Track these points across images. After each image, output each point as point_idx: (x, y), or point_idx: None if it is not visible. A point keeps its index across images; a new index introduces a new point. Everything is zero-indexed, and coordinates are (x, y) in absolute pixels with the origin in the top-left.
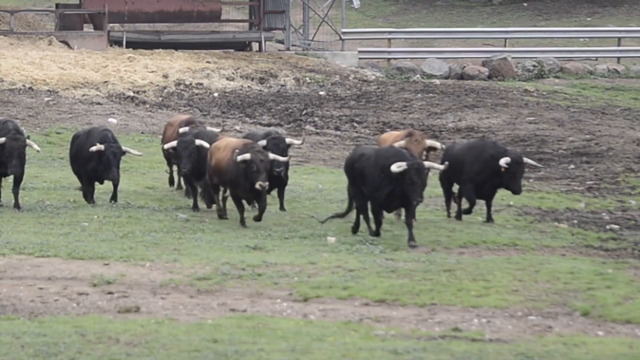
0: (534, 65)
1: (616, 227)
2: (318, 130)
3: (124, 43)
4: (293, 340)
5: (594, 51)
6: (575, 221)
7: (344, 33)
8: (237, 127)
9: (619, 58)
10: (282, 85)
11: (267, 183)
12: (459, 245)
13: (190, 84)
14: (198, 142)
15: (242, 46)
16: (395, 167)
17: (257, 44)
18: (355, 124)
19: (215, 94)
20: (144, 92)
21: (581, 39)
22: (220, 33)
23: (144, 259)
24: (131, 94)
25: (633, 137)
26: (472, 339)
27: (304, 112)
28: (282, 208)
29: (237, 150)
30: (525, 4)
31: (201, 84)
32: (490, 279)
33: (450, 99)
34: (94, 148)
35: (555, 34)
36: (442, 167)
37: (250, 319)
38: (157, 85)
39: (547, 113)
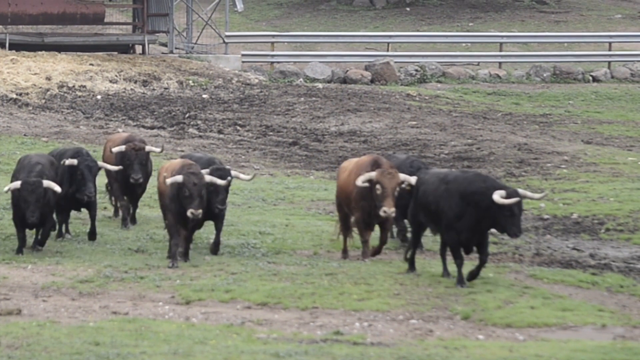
0: (416, 70)
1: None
2: (201, 134)
3: (7, 45)
4: (175, 344)
5: (476, 56)
6: None
7: (228, 36)
8: (120, 130)
9: (500, 63)
10: (166, 88)
11: (199, 211)
12: (341, 249)
13: (74, 86)
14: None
15: (125, 49)
16: (498, 197)
17: (141, 47)
18: (238, 128)
19: (99, 97)
20: (27, 94)
21: (463, 44)
22: (103, 35)
23: (26, 261)
24: (14, 96)
25: (514, 141)
26: (354, 342)
27: (187, 115)
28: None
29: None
30: (408, 9)
31: (84, 86)
32: (372, 282)
33: (333, 103)
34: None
35: (438, 39)
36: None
37: (133, 322)
38: (40, 88)
39: (429, 117)
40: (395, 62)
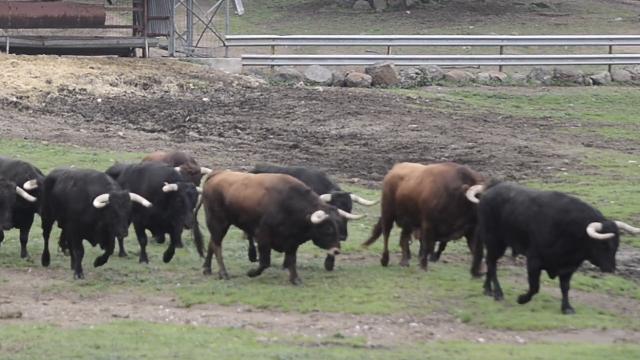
0: (416, 73)
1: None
2: (201, 137)
3: (7, 48)
4: (175, 347)
5: (477, 59)
6: None
7: (228, 39)
8: (120, 133)
9: (500, 66)
10: (166, 91)
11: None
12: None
13: (74, 89)
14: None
15: (125, 52)
16: (593, 231)
17: (141, 50)
18: (238, 131)
19: (99, 100)
20: (27, 97)
21: (464, 47)
22: (104, 39)
23: (26, 264)
24: (14, 99)
25: (514, 144)
26: (354, 345)
27: (187, 119)
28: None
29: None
30: (408, 12)
31: (85, 89)
32: (373, 285)
33: (333, 105)
34: (167, 187)
35: (438, 42)
36: None
37: (133, 325)
38: (41, 91)
39: (430, 120)
40: (396, 65)
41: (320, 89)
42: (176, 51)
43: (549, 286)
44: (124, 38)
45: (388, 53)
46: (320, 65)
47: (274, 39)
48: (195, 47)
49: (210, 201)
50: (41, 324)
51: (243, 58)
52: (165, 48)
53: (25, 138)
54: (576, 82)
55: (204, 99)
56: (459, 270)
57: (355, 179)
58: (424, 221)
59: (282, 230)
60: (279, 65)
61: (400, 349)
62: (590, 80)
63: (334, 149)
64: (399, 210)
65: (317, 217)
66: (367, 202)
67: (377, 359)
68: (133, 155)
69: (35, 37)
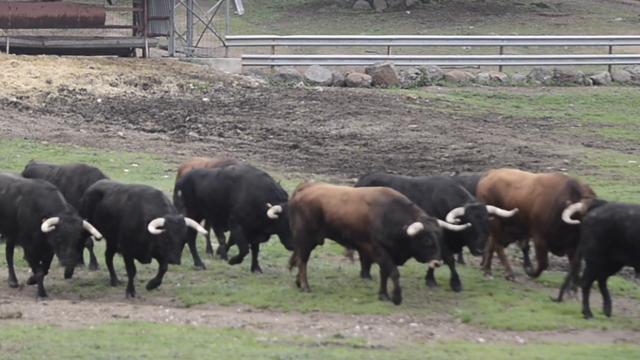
0: (416, 73)
1: None
2: (201, 137)
3: (7, 48)
4: (175, 347)
5: (477, 59)
6: None
7: (228, 39)
8: (120, 133)
9: (500, 66)
10: (166, 92)
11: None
12: (342, 251)
13: (74, 89)
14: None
15: (125, 52)
16: None
17: (141, 50)
18: (238, 131)
19: (99, 100)
20: (27, 97)
21: (464, 47)
22: (104, 39)
23: (27, 264)
24: (14, 99)
25: (515, 144)
26: (354, 345)
27: (187, 119)
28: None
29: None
30: (408, 12)
31: (85, 89)
32: (373, 285)
33: (333, 106)
34: (271, 212)
35: (438, 42)
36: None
37: (133, 325)
38: (41, 91)
39: (430, 120)
40: (396, 65)
41: (320, 89)
42: (176, 51)
43: (549, 287)
44: (124, 38)
45: (388, 53)
46: (320, 65)
47: (274, 39)
48: (195, 47)
49: (306, 217)
50: (41, 324)
51: (243, 58)
52: (165, 48)
53: (25, 138)
54: (576, 82)
55: (204, 99)
56: (458, 270)
57: (356, 180)
58: (535, 236)
59: (391, 244)
60: (279, 66)
61: (400, 349)
62: (590, 81)
63: (334, 149)
64: (508, 223)
65: (413, 229)
66: (505, 213)
67: (377, 359)
68: (133, 156)
69: (35, 37)
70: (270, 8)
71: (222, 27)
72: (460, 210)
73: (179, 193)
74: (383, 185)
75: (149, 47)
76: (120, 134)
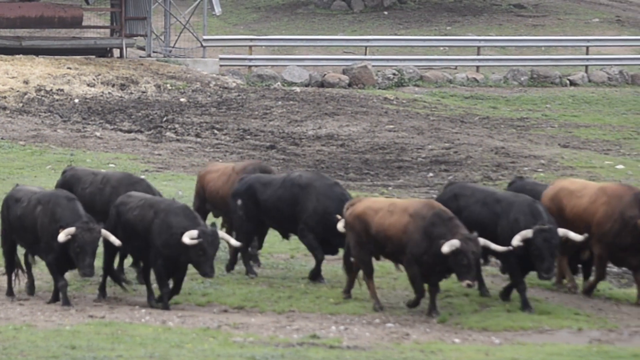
0: (394, 74)
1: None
2: (178, 137)
3: None
4: (151, 347)
5: (454, 60)
6: None
7: (205, 40)
8: (98, 134)
9: (478, 67)
10: (143, 92)
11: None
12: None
13: (51, 90)
14: None
15: (103, 52)
16: None
17: (119, 51)
18: (215, 131)
19: (76, 100)
20: (4, 97)
21: (441, 48)
22: (81, 39)
23: (2, 265)
24: None
25: (491, 145)
26: (330, 346)
27: (164, 119)
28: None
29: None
30: (385, 13)
31: (62, 90)
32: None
33: (311, 106)
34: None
35: (416, 43)
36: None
37: (109, 325)
38: (18, 91)
39: (407, 121)
40: (373, 65)
41: (298, 89)
42: (154, 52)
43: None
44: (101, 38)
45: (365, 54)
46: (298, 65)
47: (251, 39)
48: (173, 47)
49: (357, 232)
50: (17, 324)
51: (220, 59)
52: (142, 48)
53: (2, 138)
54: (553, 83)
55: (181, 100)
56: None
57: None
58: (596, 246)
59: (427, 259)
60: (256, 66)
61: (376, 350)
62: (567, 81)
63: (311, 150)
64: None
65: (448, 246)
66: (577, 237)
67: (352, 359)
68: (110, 156)
69: (12, 38)
70: (248, 9)
71: (200, 27)
72: (528, 233)
73: (239, 202)
74: (464, 197)
75: (126, 48)
76: (98, 134)
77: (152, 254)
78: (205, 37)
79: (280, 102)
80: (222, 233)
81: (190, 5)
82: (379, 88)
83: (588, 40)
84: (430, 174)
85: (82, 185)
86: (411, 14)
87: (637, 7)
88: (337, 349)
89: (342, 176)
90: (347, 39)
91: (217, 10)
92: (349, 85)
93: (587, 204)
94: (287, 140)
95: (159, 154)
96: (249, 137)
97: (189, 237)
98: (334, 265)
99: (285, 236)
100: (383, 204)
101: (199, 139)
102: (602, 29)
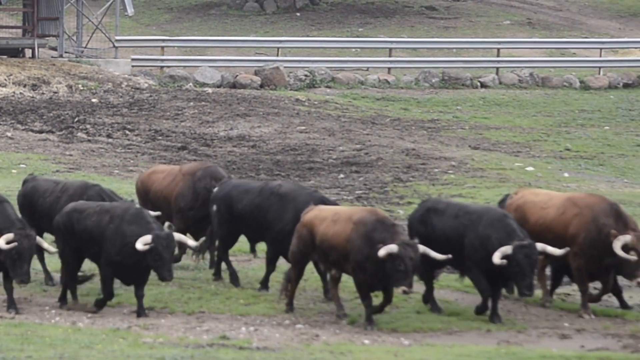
0: (305, 75)
1: None
2: (90, 138)
3: None
4: (61, 348)
5: (365, 61)
6: None
7: (118, 40)
8: (9, 134)
9: (389, 68)
10: (55, 92)
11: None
12: (230, 253)
13: None
14: None
15: (15, 52)
16: None
17: (31, 51)
18: (127, 132)
19: None
20: None
21: (353, 49)
22: None
23: None
24: None
25: (402, 147)
26: (240, 347)
27: (76, 119)
28: None
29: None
30: (298, 14)
31: None
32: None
33: (222, 107)
34: None
35: (327, 44)
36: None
37: (19, 326)
38: None
39: (318, 122)
40: (285, 67)
41: (210, 90)
42: (66, 52)
43: (435, 288)
44: (13, 39)
45: (277, 55)
46: (210, 66)
47: (163, 40)
48: (85, 48)
49: (303, 240)
50: None
51: (133, 59)
52: (54, 49)
53: None
54: (464, 85)
55: (93, 100)
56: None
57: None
58: (572, 259)
59: (369, 265)
60: (168, 67)
61: (286, 351)
62: (478, 83)
63: (223, 151)
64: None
65: (385, 250)
66: (556, 251)
67: None
68: (21, 156)
69: None
70: (160, 9)
71: (112, 28)
72: (507, 249)
73: (214, 207)
74: (438, 212)
75: (38, 48)
76: (9, 134)
77: (103, 258)
78: (117, 37)
79: (192, 103)
80: (178, 235)
81: (103, 5)
82: (291, 89)
83: (499, 43)
84: (341, 175)
85: (43, 195)
86: (323, 15)
87: (548, 10)
88: (246, 350)
89: (253, 177)
90: (259, 40)
91: (130, 10)
92: (261, 86)
93: (554, 215)
94: (198, 141)
95: (70, 155)
96: (160, 137)
97: (142, 244)
98: (244, 266)
99: (254, 245)
100: (328, 213)
101: (110, 140)
102: (513, 31)
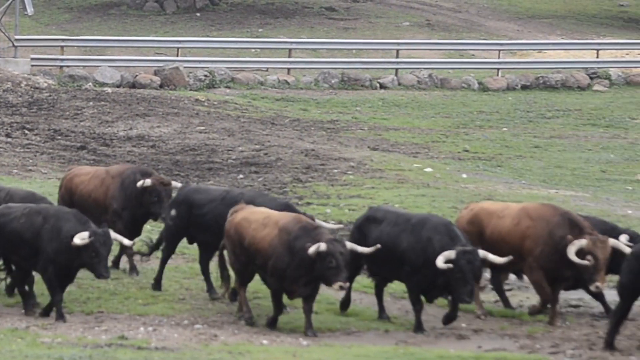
0: (205, 75)
1: None
2: None
3: None
4: None
5: (265, 62)
6: None
7: (17, 40)
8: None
9: (289, 69)
10: None
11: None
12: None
13: None
14: None
15: None
16: None
17: None
18: (26, 131)
19: None
20: None
21: (252, 50)
22: None
23: None
24: None
25: (301, 147)
26: (138, 347)
27: None
28: None
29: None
30: (198, 14)
31: None
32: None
33: (122, 107)
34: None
35: (227, 44)
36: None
37: None
38: None
39: (218, 123)
40: (185, 67)
41: (109, 90)
42: None
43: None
44: None
45: (177, 55)
46: (110, 66)
47: (63, 39)
48: None
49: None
50: None
51: (32, 59)
52: None
53: None
54: (363, 86)
55: None
56: None
57: None
58: (528, 271)
59: (290, 273)
60: (68, 66)
61: (184, 351)
62: (377, 84)
63: (122, 151)
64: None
65: (315, 248)
66: (497, 259)
67: None
68: None
69: None
70: (60, 9)
71: (12, 27)
72: (451, 254)
73: (173, 212)
74: (378, 220)
75: None
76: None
77: (43, 261)
78: (17, 37)
79: (91, 103)
80: (114, 234)
81: (2, 4)
82: (191, 89)
83: (398, 44)
84: (241, 176)
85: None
86: (223, 15)
87: (447, 11)
88: (145, 350)
89: None
90: (159, 40)
91: (29, 10)
92: (161, 86)
93: (510, 225)
94: (98, 140)
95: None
96: (59, 137)
97: (79, 238)
98: (144, 266)
99: (210, 254)
100: (259, 215)
101: (9, 139)
102: (412, 33)
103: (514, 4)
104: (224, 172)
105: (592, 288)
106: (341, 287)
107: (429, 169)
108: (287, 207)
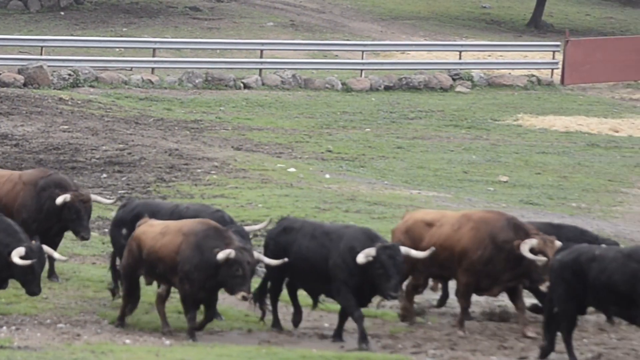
0: (69, 74)
1: None
2: None
3: None
4: None
5: (129, 61)
6: (106, 230)
7: None
8: None
9: (153, 69)
10: None
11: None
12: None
13: None
14: None
15: None
16: None
17: None
18: None
19: None
20: None
21: (117, 49)
22: None
23: None
24: None
25: (165, 147)
26: (1, 346)
27: None
28: None
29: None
30: (62, 13)
31: None
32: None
33: None
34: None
35: (92, 44)
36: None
37: None
38: None
39: (82, 122)
40: (49, 66)
41: None
42: None
43: None
44: None
45: (41, 54)
46: None
47: None
48: None
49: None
50: None
51: None
52: None
53: None
54: (227, 86)
55: None
56: (107, 272)
57: None
58: (462, 275)
59: (197, 275)
60: None
61: (47, 350)
62: (242, 84)
63: None
64: (425, 262)
65: (223, 254)
66: (419, 254)
67: None
68: None
69: None
70: None
71: None
72: (371, 251)
73: (124, 231)
74: (293, 231)
75: None
76: None
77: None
78: None
79: None
80: (46, 247)
81: None
82: (54, 88)
83: (262, 44)
84: (104, 175)
85: None
86: (88, 14)
87: (311, 12)
88: (7, 349)
89: None
90: (22, 38)
91: None
92: (24, 85)
93: (449, 231)
94: None
95: None
96: None
97: (18, 256)
98: None
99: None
100: (158, 227)
101: None
102: (276, 33)
103: (377, 5)
104: (88, 171)
105: (542, 288)
106: (244, 297)
107: (292, 169)
108: (221, 220)
